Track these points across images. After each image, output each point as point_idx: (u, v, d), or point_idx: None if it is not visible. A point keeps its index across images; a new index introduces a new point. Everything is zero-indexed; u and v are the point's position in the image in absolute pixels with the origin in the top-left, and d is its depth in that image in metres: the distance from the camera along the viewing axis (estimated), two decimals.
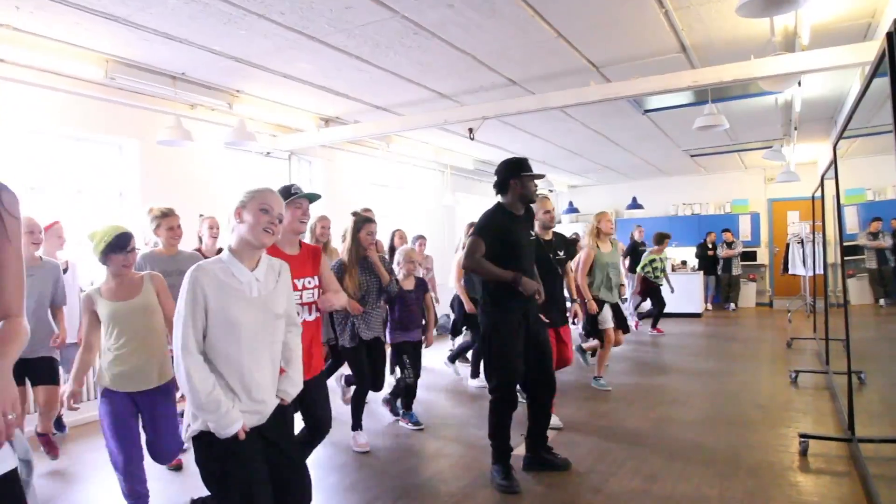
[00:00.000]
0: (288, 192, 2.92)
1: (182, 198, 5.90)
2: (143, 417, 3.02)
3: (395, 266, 4.72)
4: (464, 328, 6.50)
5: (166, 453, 3.10)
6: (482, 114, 5.91)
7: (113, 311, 2.97)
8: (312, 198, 3.02)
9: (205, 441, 2.03)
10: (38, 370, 3.83)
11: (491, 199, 12.51)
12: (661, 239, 8.87)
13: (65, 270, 4.31)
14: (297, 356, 2.34)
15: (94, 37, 4.41)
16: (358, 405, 4.34)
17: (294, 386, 2.28)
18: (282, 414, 2.25)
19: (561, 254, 4.63)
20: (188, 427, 2.06)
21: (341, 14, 4.19)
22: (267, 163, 7.40)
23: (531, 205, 3.72)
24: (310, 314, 2.95)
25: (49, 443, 4.10)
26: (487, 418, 3.57)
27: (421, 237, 7.08)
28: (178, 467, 3.88)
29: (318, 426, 3.07)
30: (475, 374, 6.10)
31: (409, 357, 4.66)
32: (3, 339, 1.25)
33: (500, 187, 3.64)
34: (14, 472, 1.26)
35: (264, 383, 2.13)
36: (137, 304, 3.01)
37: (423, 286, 4.85)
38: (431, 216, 10.42)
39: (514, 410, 3.56)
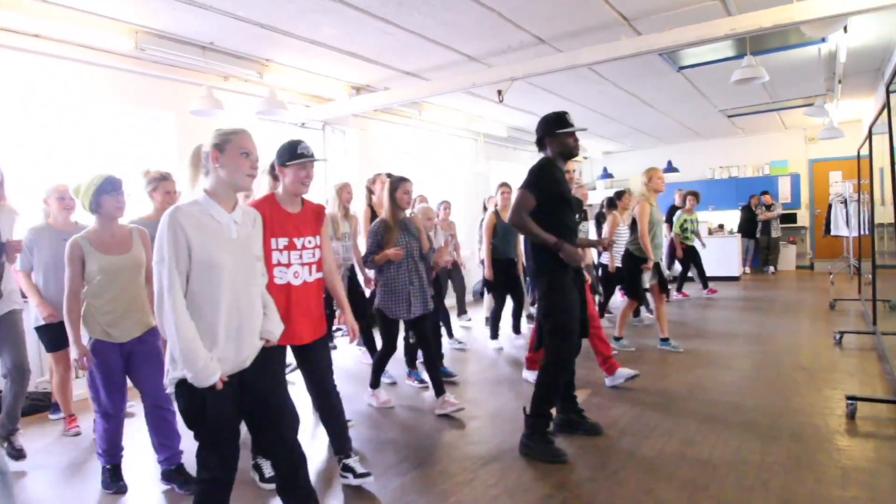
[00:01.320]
0: (293, 152, 2.77)
1: None
2: (130, 364, 3.08)
3: None
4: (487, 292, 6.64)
5: (156, 392, 3.09)
6: (510, 75, 5.80)
7: (104, 265, 2.97)
8: (315, 160, 2.88)
9: (185, 387, 2.02)
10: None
11: (524, 165, 12.53)
12: (685, 198, 8.88)
13: None
14: (272, 300, 2.35)
15: (120, 5, 4.43)
16: (380, 365, 4.39)
17: (276, 326, 2.29)
18: (266, 358, 2.23)
19: (576, 217, 4.49)
20: (168, 373, 2.05)
21: None
22: (302, 133, 7.42)
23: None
24: (310, 274, 2.87)
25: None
26: (536, 380, 3.44)
27: (445, 202, 7.20)
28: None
29: (323, 394, 3.06)
30: (494, 336, 6.26)
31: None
32: None
33: (539, 145, 3.54)
34: None
35: (247, 325, 2.13)
36: (129, 260, 3.04)
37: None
38: (465, 184, 10.39)
39: (567, 375, 3.44)
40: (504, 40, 5.73)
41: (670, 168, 12.17)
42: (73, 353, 2.97)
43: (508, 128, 10.34)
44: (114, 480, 3.15)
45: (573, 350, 3.40)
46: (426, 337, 4.22)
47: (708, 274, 9.49)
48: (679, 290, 9.33)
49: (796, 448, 3.29)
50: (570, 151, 3.47)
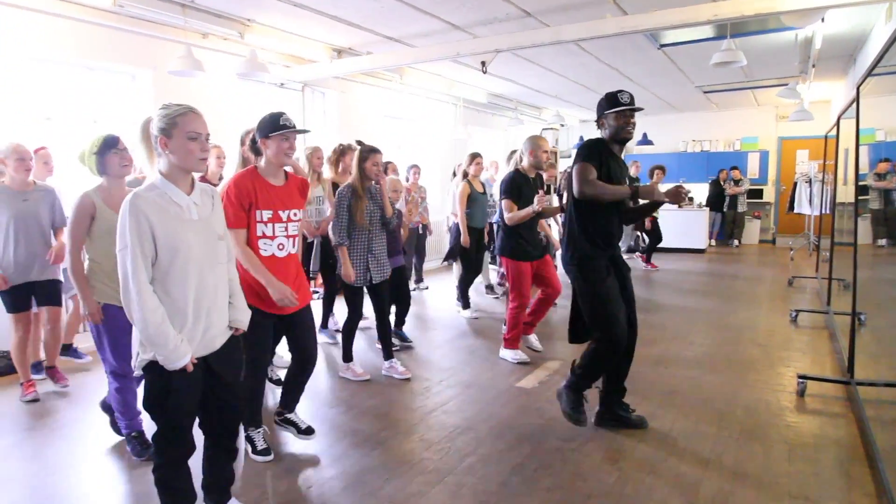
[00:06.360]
0: (276, 123, 2.81)
1: None
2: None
3: None
4: (455, 259, 6.60)
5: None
6: (495, 46, 5.80)
7: (115, 223, 2.97)
8: (301, 132, 2.97)
9: (155, 371, 2.04)
10: (43, 291, 3.95)
11: (502, 132, 12.56)
12: (652, 172, 9.05)
13: None
14: (239, 286, 2.37)
15: None
16: (348, 338, 4.43)
17: (244, 313, 2.33)
18: (232, 345, 2.28)
19: (541, 192, 4.54)
20: (137, 356, 2.05)
21: None
22: (280, 94, 7.35)
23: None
24: (294, 246, 2.97)
25: (57, 374, 4.28)
26: (584, 355, 3.34)
27: (415, 166, 7.29)
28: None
29: (305, 357, 3.13)
30: (466, 306, 6.39)
31: (395, 281, 4.72)
32: None
33: (597, 125, 3.33)
34: None
35: (214, 305, 2.15)
36: None
37: (399, 216, 5.01)
38: (444, 149, 10.41)
39: (618, 356, 3.30)
40: (490, 11, 5.71)
41: (645, 140, 12.35)
42: (83, 308, 2.99)
43: (488, 94, 10.34)
44: (144, 447, 3.11)
45: (619, 336, 3.24)
46: (382, 303, 4.33)
47: (675, 246, 9.77)
48: (648, 261, 9.58)
49: (749, 423, 3.52)
50: (618, 133, 3.20)
